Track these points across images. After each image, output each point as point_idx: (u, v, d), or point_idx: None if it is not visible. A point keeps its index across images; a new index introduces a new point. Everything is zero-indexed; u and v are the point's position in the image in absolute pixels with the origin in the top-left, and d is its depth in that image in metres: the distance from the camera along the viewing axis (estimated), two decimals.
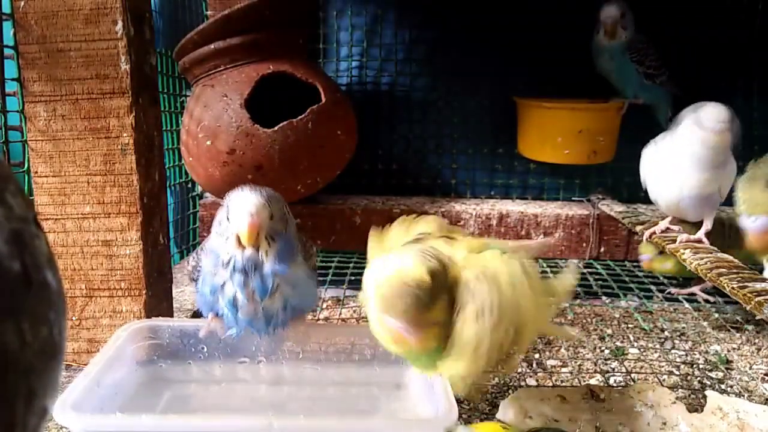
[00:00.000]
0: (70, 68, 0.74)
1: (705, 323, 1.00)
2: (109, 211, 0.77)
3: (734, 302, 0.84)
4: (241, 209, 0.61)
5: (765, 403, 0.74)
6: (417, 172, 1.39)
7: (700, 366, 0.86)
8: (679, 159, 0.89)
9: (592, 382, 0.80)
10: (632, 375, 0.82)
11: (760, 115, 1.32)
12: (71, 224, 0.78)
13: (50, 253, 0.29)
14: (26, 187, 0.78)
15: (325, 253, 1.27)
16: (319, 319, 1.00)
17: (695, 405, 0.73)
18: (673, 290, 1.09)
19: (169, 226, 0.89)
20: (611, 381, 0.81)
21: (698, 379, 0.82)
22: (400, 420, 0.65)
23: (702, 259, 0.85)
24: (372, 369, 0.73)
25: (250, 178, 0.99)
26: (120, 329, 0.70)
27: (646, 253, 1.07)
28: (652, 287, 1.11)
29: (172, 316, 0.89)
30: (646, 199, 1.04)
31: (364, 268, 0.60)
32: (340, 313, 1.02)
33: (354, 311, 1.02)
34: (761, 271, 0.89)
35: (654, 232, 0.99)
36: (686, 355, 0.89)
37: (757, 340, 0.95)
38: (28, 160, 0.78)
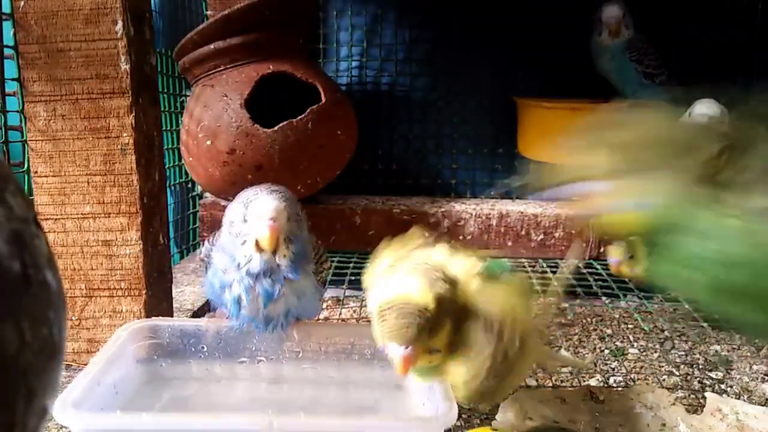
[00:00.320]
0: (70, 68, 0.74)
1: (705, 323, 1.00)
2: (109, 211, 0.77)
3: None
4: (261, 213, 0.61)
5: (765, 404, 0.74)
6: (417, 172, 1.39)
7: (700, 366, 0.86)
8: None
9: (592, 382, 0.80)
10: (632, 375, 0.82)
11: None
12: (71, 224, 0.78)
13: (50, 253, 0.29)
14: (26, 187, 0.78)
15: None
16: (319, 319, 1.00)
17: (695, 406, 0.73)
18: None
19: (169, 226, 0.89)
20: (611, 381, 0.81)
21: (698, 379, 0.82)
22: (400, 420, 0.65)
23: None
24: (372, 369, 0.73)
25: (250, 178, 0.99)
26: (120, 329, 0.70)
27: (615, 257, 1.02)
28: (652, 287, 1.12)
29: (172, 315, 0.89)
30: None
31: (363, 268, 0.60)
32: (340, 313, 1.02)
33: (354, 311, 1.03)
34: None
35: None
36: (686, 355, 0.89)
37: (757, 341, 0.95)
38: (28, 160, 0.78)
